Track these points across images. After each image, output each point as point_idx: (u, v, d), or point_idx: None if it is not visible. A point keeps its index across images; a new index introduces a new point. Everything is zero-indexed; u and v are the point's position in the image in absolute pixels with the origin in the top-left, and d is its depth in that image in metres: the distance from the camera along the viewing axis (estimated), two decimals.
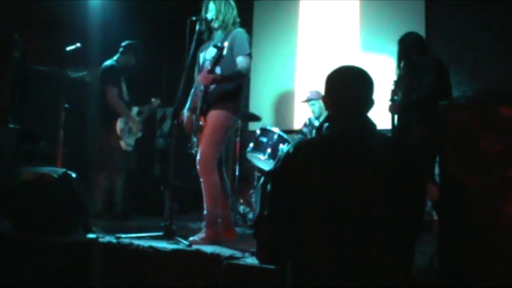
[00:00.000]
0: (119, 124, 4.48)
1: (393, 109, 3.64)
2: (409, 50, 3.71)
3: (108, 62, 4.58)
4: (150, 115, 4.95)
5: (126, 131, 4.52)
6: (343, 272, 1.49)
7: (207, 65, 3.26)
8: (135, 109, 4.70)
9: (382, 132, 1.86)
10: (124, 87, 4.65)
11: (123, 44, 4.68)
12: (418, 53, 3.66)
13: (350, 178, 1.53)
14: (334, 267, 1.50)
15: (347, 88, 1.70)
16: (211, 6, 3.34)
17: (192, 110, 3.43)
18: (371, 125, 1.67)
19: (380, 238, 1.50)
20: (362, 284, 1.48)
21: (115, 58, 4.63)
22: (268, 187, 1.64)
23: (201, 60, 3.45)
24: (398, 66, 3.79)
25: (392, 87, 3.75)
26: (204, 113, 3.28)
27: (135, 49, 4.70)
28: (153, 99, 4.85)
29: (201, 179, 3.23)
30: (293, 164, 1.58)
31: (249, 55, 3.30)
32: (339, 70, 1.74)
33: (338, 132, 1.66)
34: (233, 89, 3.28)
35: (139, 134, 4.67)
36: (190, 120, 3.41)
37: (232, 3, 3.39)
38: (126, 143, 4.52)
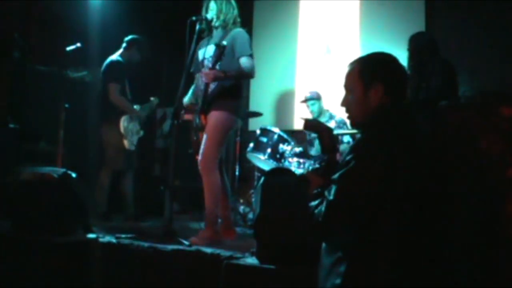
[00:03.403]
0: (123, 123, 4.30)
1: None
2: (420, 48, 3.75)
3: (113, 58, 4.39)
4: (150, 114, 4.77)
5: (130, 129, 4.36)
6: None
7: (207, 64, 3.27)
8: (136, 108, 4.51)
9: None
10: (127, 84, 4.48)
11: (126, 39, 4.49)
12: (429, 53, 3.70)
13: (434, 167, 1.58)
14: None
15: (401, 72, 1.71)
16: (212, 5, 3.34)
17: (191, 108, 3.44)
18: None
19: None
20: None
21: (118, 53, 4.44)
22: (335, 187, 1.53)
23: (200, 57, 3.44)
24: (409, 65, 3.80)
25: None
26: (204, 112, 3.29)
27: (139, 44, 4.51)
28: (152, 98, 4.67)
29: (202, 179, 3.23)
30: (380, 159, 1.50)
31: (251, 56, 3.30)
32: (386, 55, 1.72)
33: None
34: (232, 89, 3.28)
35: (141, 133, 4.51)
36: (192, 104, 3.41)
37: (233, 2, 3.39)
38: (130, 142, 4.35)
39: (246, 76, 3.31)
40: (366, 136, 1.62)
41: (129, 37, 4.51)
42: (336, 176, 1.54)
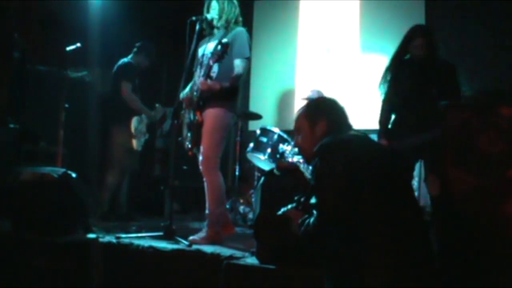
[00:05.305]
0: (134, 123, 4.37)
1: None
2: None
3: (124, 60, 4.52)
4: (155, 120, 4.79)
5: (140, 130, 4.42)
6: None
7: (205, 60, 3.24)
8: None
9: None
10: (137, 86, 4.55)
11: (137, 44, 4.61)
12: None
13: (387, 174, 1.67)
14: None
15: (341, 110, 1.92)
16: (214, 4, 3.32)
17: (189, 100, 3.39)
18: None
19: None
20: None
21: (129, 57, 4.55)
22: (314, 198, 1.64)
23: (199, 55, 3.41)
24: (392, 60, 3.63)
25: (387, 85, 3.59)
26: (200, 108, 3.27)
27: (148, 50, 4.63)
28: (157, 105, 4.72)
29: (204, 179, 3.22)
30: (341, 164, 1.61)
31: (248, 59, 3.29)
32: (327, 98, 2.01)
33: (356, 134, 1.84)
34: (229, 87, 3.27)
35: (147, 136, 4.57)
36: (188, 98, 3.38)
37: (235, 1, 3.38)
38: (139, 143, 4.41)
39: (238, 80, 3.26)
40: (326, 139, 1.75)
41: (140, 42, 4.63)
42: (312, 181, 1.67)
